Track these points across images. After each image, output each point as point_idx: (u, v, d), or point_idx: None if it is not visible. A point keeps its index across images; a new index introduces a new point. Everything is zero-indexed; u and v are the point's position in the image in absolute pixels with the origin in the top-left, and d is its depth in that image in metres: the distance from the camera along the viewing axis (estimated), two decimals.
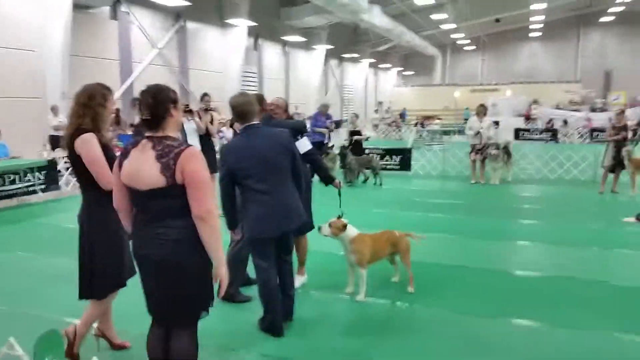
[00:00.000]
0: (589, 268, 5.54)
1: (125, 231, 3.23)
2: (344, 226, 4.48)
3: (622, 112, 10.36)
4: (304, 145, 4.54)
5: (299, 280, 4.93)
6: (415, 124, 27.66)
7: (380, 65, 39.91)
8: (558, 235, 6.89)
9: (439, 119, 30.85)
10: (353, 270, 4.70)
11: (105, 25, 15.91)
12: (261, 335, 3.87)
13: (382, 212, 8.41)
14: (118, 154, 2.73)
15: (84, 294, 3.23)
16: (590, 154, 12.10)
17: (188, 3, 17.10)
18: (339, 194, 4.67)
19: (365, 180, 11.82)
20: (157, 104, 2.52)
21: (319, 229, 4.47)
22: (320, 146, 11.63)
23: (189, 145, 2.54)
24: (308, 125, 18.46)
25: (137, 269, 3.35)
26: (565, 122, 25.09)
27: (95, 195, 3.14)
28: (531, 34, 39.80)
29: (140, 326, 3.22)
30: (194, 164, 2.46)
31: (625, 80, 36.46)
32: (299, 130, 4.61)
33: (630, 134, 11.03)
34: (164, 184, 2.44)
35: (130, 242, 2.77)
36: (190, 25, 19.15)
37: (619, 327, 3.99)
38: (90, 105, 3.10)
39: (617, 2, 32.78)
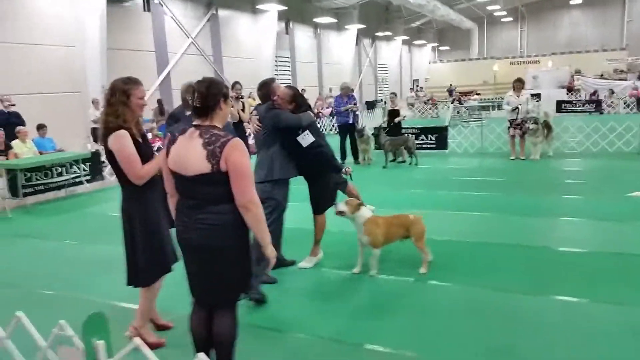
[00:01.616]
0: (634, 243, 5.37)
1: (164, 219, 3.36)
2: (359, 205, 4.54)
3: None
4: (305, 139, 4.64)
5: (311, 261, 5.08)
6: (453, 101, 27.11)
7: (414, 42, 39.20)
8: (601, 210, 6.70)
9: (477, 94, 30.13)
10: (363, 251, 4.75)
11: (140, 18, 16.22)
12: (292, 316, 3.98)
13: (419, 192, 8.35)
14: (157, 144, 2.83)
15: (131, 281, 3.41)
16: (636, 124, 11.61)
17: None
18: (351, 179, 4.80)
19: (401, 161, 11.73)
20: (208, 95, 2.64)
21: (335, 205, 4.59)
22: (348, 128, 11.57)
23: (235, 137, 2.64)
24: (327, 109, 18.33)
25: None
26: (612, 91, 24.08)
27: (131, 189, 3.27)
28: (572, 1, 38.08)
29: (182, 307, 3.36)
30: (238, 155, 2.57)
31: None
32: (297, 127, 4.61)
33: None
34: (209, 171, 2.55)
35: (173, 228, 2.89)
36: (222, 12, 19.29)
37: None
38: (111, 103, 3.20)
39: None
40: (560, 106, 22.91)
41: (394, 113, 11.82)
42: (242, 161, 2.58)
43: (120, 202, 3.37)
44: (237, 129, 7.78)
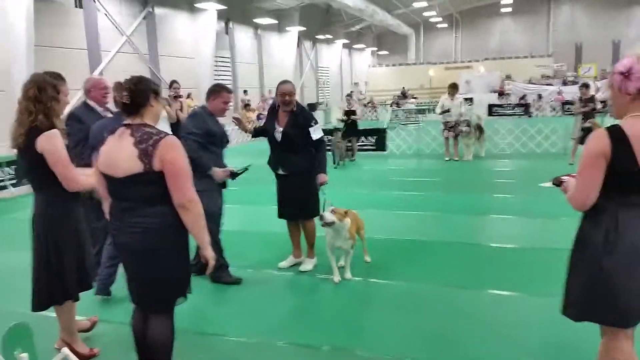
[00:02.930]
0: (561, 238, 5.66)
1: (88, 230, 3.19)
2: (346, 213, 4.53)
3: (586, 85, 10.61)
4: (317, 132, 4.75)
5: (311, 263, 4.97)
6: (391, 104, 27.72)
7: (354, 46, 39.73)
8: (530, 207, 7.06)
9: (414, 97, 30.96)
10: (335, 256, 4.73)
11: (70, 14, 15.48)
12: (237, 320, 3.92)
13: (361, 193, 8.47)
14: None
15: (44, 302, 3.09)
16: (561, 126, 12.33)
17: None
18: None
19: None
20: (137, 91, 2.55)
21: (321, 217, 4.43)
22: None
23: (168, 134, 2.55)
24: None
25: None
26: (540, 96, 25.46)
27: (55, 194, 2.99)
28: (502, 10, 39.92)
29: (121, 312, 3.19)
30: (174, 153, 2.49)
31: (595, 52, 36.95)
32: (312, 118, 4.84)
33: (600, 106, 11.29)
34: (142, 170, 2.45)
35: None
36: (159, 10, 18.75)
37: None
38: (41, 100, 2.93)
39: None
40: (491, 109, 23.99)
41: (350, 112, 12.27)
42: (179, 159, 2.50)
43: (35, 209, 3.05)
44: (176, 129, 7.54)
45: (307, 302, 4.27)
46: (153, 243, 2.54)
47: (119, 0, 17.14)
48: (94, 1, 16.07)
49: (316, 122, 4.79)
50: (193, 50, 20.04)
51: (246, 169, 4.59)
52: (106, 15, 16.55)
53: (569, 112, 21.19)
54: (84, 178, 3.01)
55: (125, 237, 2.56)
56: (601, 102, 11.10)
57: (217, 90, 4.57)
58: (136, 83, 2.59)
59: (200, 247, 2.64)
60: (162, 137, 2.49)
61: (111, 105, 4.46)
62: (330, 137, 11.79)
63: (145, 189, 2.50)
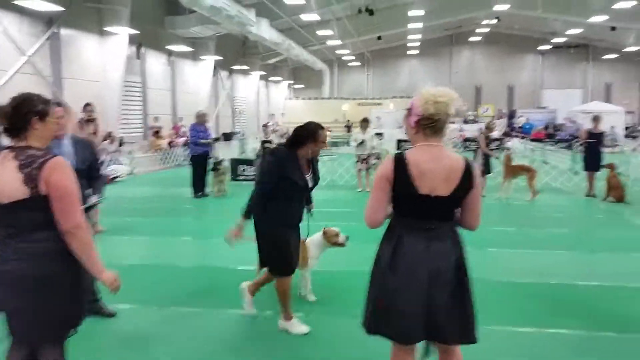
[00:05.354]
0: (485, 267, 5.89)
1: None
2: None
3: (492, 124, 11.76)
4: None
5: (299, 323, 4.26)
6: None
7: (270, 78, 40.19)
8: None
9: (328, 130, 31.76)
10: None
11: None
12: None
13: None
14: None
15: None
16: None
17: (61, 8, 15.96)
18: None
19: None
20: (16, 115, 2.40)
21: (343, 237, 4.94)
22: (206, 158, 11.27)
23: (55, 155, 2.40)
24: (181, 139, 17.78)
25: None
26: None
27: None
28: (410, 52, 42.55)
29: None
30: (59, 175, 2.34)
31: (492, 94, 40.54)
32: None
33: (497, 143, 12.31)
34: (28, 195, 2.30)
35: None
36: (65, 32, 17.84)
37: (510, 322, 4.40)
38: None
39: (482, 24, 36.27)
40: (399, 144, 25.18)
41: (266, 142, 12.61)
42: (64, 182, 2.36)
43: None
44: None
45: (222, 342, 4.11)
46: (42, 269, 2.36)
47: (20, 18, 16.12)
48: None
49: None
50: (101, 74, 19.18)
51: (95, 204, 4.05)
52: (3, 33, 15.46)
53: (470, 149, 22.71)
54: None
55: (9, 265, 2.35)
56: (496, 139, 12.25)
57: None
58: (16, 106, 2.43)
59: (94, 274, 2.47)
60: (47, 159, 2.35)
61: None
62: (248, 167, 11.78)
63: (32, 215, 2.35)
